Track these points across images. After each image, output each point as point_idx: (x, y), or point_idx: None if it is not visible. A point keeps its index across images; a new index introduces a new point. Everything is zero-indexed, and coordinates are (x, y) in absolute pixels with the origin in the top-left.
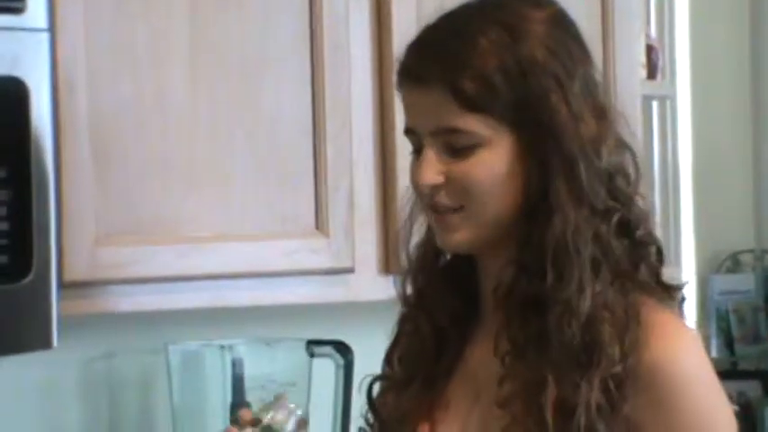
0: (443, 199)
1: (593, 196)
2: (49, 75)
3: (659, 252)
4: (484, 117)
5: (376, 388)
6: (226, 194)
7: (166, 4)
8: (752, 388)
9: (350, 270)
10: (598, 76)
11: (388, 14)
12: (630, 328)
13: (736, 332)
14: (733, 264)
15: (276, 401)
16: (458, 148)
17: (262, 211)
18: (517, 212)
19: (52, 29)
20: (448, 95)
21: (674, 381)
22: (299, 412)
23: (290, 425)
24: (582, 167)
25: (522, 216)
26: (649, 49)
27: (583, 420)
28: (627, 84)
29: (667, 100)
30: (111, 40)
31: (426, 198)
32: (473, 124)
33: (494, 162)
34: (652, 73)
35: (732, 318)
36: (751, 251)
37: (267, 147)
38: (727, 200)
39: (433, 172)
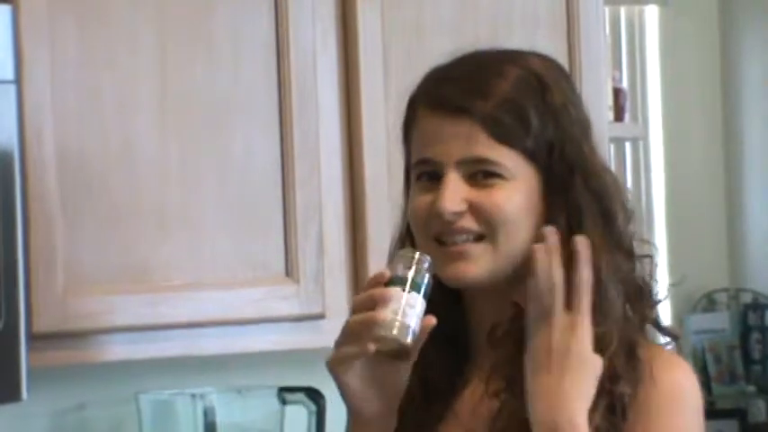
0: (468, 223)
1: (626, 242)
2: (16, 125)
3: (653, 293)
4: (514, 152)
5: None
6: (196, 242)
7: (133, 52)
8: (729, 427)
9: (320, 316)
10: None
11: (356, 62)
12: (632, 364)
13: (712, 371)
14: (708, 303)
15: None
16: (482, 179)
17: (232, 258)
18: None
19: (18, 80)
20: (482, 126)
21: (680, 404)
22: None
23: None
24: (617, 215)
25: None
26: (616, 93)
27: None
28: (595, 126)
29: (640, 141)
30: (77, 88)
31: (445, 226)
32: (503, 156)
33: (517, 196)
34: (619, 115)
35: (708, 357)
36: (725, 290)
37: (237, 193)
38: (700, 239)
39: (458, 198)
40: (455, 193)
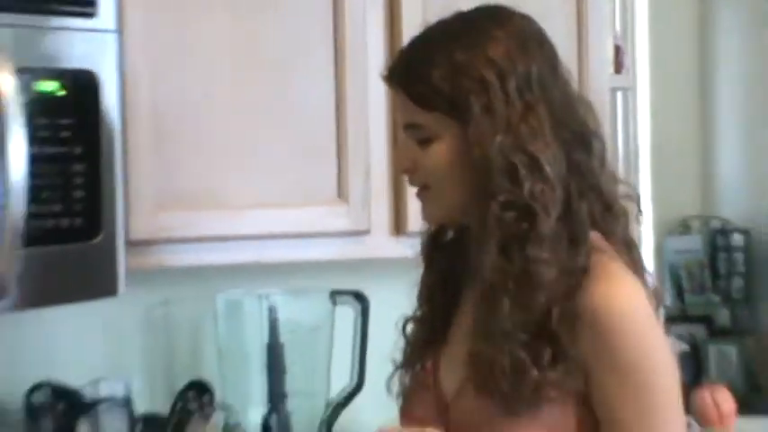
0: (417, 178)
1: (548, 162)
2: (116, 68)
3: (627, 216)
4: (435, 113)
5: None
6: (264, 169)
7: (211, 11)
8: (698, 330)
9: (366, 232)
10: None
11: (399, 15)
12: (574, 265)
13: (685, 284)
14: (683, 228)
15: None
16: (421, 140)
17: (293, 182)
18: (479, 199)
19: (120, 30)
20: (407, 95)
21: (612, 319)
22: None
23: None
24: (530, 156)
25: (483, 204)
26: (616, 49)
27: (535, 373)
28: (598, 78)
29: (629, 90)
30: (167, 40)
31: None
32: (427, 119)
33: (446, 153)
34: (618, 68)
35: (682, 273)
36: (698, 217)
37: (298, 130)
38: (678, 175)
39: (403, 159)
40: (403, 155)
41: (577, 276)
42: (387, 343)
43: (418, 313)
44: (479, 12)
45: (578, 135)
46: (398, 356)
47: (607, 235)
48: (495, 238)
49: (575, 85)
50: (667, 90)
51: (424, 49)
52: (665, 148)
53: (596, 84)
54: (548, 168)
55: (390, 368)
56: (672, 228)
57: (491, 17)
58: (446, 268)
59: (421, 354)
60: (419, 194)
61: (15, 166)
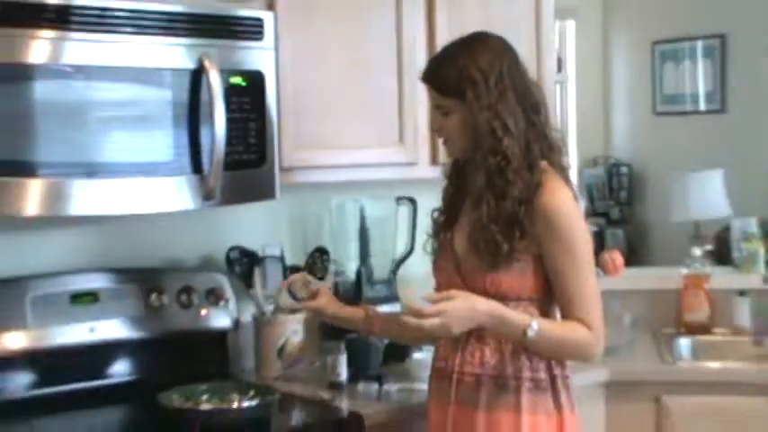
0: (439, 136)
1: (510, 126)
2: (274, 69)
3: (562, 152)
4: (450, 98)
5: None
6: (357, 127)
7: (326, 34)
8: (601, 220)
9: (415, 163)
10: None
11: (434, 37)
12: (532, 182)
13: (595, 195)
14: (593, 162)
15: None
16: (443, 114)
17: (374, 134)
18: (474, 147)
19: (276, 48)
20: (433, 87)
21: (557, 214)
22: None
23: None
24: (502, 121)
25: (475, 150)
26: (558, 59)
27: (506, 246)
28: (548, 75)
29: (564, 82)
30: (301, 52)
31: None
32: (446, 101)
33: (457, 121)
34: (559, 69)
35: (594, 189)
36: (602, 156)
37: (377, 104)
38: (591, 131)
39: (434, 124)
40: (434, 122)
41: (535, 188)
42: (425, 226)
43: (441, 207)
44: (473, 36)
45: (533, 104)
46: (430, 231)
47: (551, 163)
48: (483, 168)
49: (533, 75)
50: (585, 82)
51: (443, 60)
52: (583, 115)
53: (547, 78)
54: (513, 128)
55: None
56: (587, 163)
57: (479, 38)
58: (457, 183)
59: (443, 229)
60: (444, 144)
61: (219, 125)
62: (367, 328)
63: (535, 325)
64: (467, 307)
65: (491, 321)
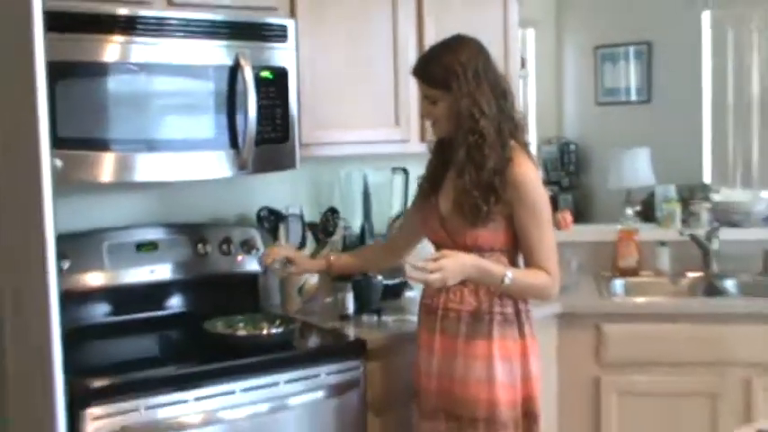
0: (428, 120)
1: (486, 111)
2: (295, 66)
3: (525, 130)
4: (437, 89)
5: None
6: (362, 111)
7: (337, 34)
8: (555, 188)
9: (408, 140)
10: (496, 67)
11: (423, 39)
12: (503, 155)
13: (549, 168)
14: (548, 141)
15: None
16: (430, 102)
17: (375, 116)
18: (456, 128)
19: (297, 48)
20: (423, 80)
21: (524, 184)
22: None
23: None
24: (479, 107)
25: (457, 130)
26: (522, 59)
27: (485, 208)
28: (514, 71)
29: (527, 77)
30: (317, 51)
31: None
32: (432, 92)
33: (443, 109)
34: (522, 66)
35: (548, 163)
36: (555, 136)
37: (378, 92)
38: (547, 115)
39: (423, 111)
40: (423, 109)
41: (506, 161)
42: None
43: (426, 176)
44: (454, 38)
45: (502, 92)
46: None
47: (517, 140)
48: (464, 145)
49: (501, 70)
50: (542, 77)
51: (430, 58)
52: (541, 104)
53: (513, 73)
54: (487, 112)
55: None
56: (544, 141)
57: (459, 40)
58: (440, 158)
59: (429, 194)
60: (432, 126)
61: (251, 110)
62: (327, 271)
63: (510, 274)
64: (459, 263)
65: (477, 273)
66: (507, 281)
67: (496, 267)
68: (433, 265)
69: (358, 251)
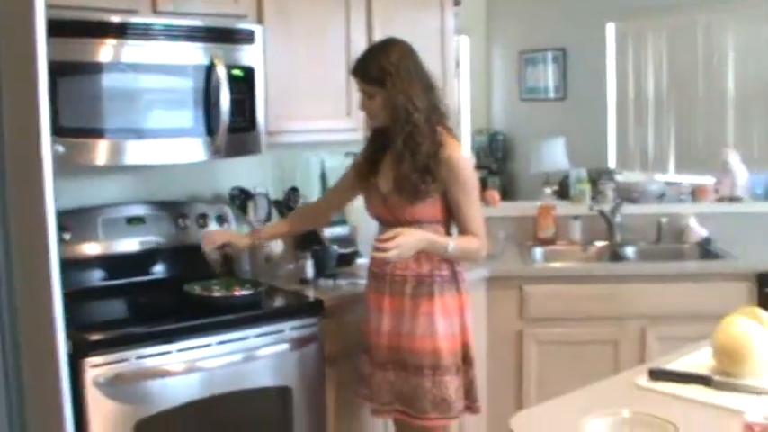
0: (365, 112)
1: (417, 105)
2: (263, 65)
3: (450, 118)
4: (374, 86)
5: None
6: (320, 104)
7: (294, 37)
8: (484, 172)
9: (356, 129)
10: (424, 65)
11: (372, 41)
12: (434, 140)
13: (480, 155)
14: (480, 132)
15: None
16: (368, 97)
17: (331, 109)
18: (392, 119)
19: (264, 50)
20: (361, 79)
21: (456, 164)
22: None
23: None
24: (411, 101)
25: (394, 122)
26: (456, 61)
27: (423, 187)
28: (449, 71)
29: (460, 76)
30: (281, 53)
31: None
32: (368, 88)
33: (378, 103)
34: (457, 67)
35: (480, 150)
36: (485, 128)
37: (334, 88)
38: (478, 109)
39: (362, 105)
40: (362, 104)
41: (438, 146)
42: None
43: (363, 160)
44: (386, 41)
45: (430, 87)
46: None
47: (444, 127)
48: (400, 135)
49: (439, 70)
50: (474, 78)
51: (366, 58)
52: (474, 100)
53: (449, 73)
54: (419, 105)
55: None
56: (475, 132)
57: (391, 42)
58: (376, 143)
59: (368, 176)
60: (368, 117)
61: (224, 103)
62: (256, 243)
63: (452, 243)
64: (412, 239)
65: (427, 245)
66: (450, 248)
67: (441, 238)
68: (391, 243)
69: (285, 219)
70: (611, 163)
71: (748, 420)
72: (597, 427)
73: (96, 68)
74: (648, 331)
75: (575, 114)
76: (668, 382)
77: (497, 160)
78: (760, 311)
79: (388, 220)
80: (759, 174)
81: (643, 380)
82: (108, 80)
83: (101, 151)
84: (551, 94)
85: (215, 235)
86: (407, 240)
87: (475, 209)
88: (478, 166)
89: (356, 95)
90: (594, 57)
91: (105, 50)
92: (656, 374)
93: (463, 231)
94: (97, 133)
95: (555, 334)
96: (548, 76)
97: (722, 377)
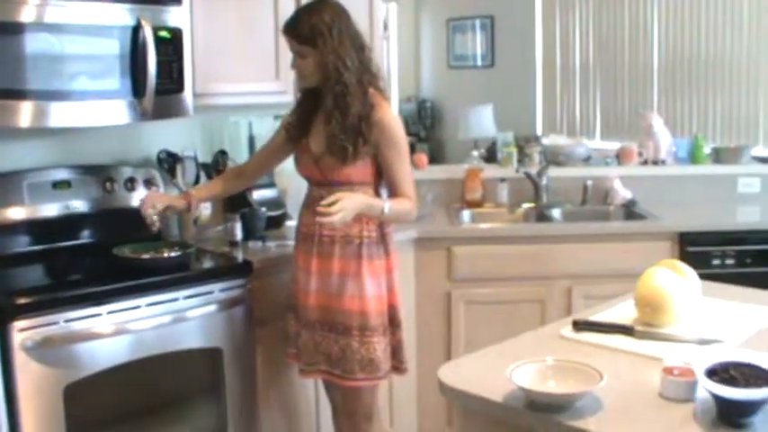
0: (297, 71)
1: (349, 65)
2: (189, 27)
3: (381, 79)
4: (306, 46)
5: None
6: (249, 67)
7: (227, 3)
8: (413, 139)
9: (286, 92)
10: (355, 25)
11: (300, 3)
12: (366, 102)
13: (409, 121)
14: (409, 99)
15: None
16: (300, 57)
17: (260, 71)
18: (323, 80)
19: (191, 11)
20: (292, 37)
21: (388, 126)
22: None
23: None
24: (342, 61)
25: (324, 82)
26: (384, 23)
27: (352, 149)
28: (378, 33)
29: (389, 39)
30: (208, 17)
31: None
32: (301, 48)
33: (310, 63)
34: (385, 29)
35: (408, 117)
36: (414, 95)
37: (263, 50)
38: (408, 75)
39: (294, 65)
40: (293, 63)
41: (369, 107)
42: None
43: (294, 120)
44: (318, 0)
45: (361, 47)
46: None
47: (375, 88)
48: (331, 95)
49: (367, 35)
50: (402, 46)
51: (298, 17)
52: (402, 68)
53: (377, 35)
54: (350, 66)
55: None
56: (404, 99)
57: (325, 1)
58: (307, 104)
59: (299, 136)
60: (299, 77)
61: (151, 64)
62: (190, 205)
63: (387, 205)
64: (353, 202)
65: (366, 208)
66: (387, 210)
67: (377, 201)
68: (334, 207)
69: (215, 180)
70: (539, 130)
71: (668, 365)
72: (523, 373)
73: (18, 28)
74: (574, 290)
75: (502, 82)
76: (592, 333)
77: (426, 127)
78: (680, 264)
79: (319, 181)
80: (682, 138)
81: (567, 330)
82: (30, 41)
83: (24, 113)
84: (479, 62)
85: (155, 198)
86: (349, 204)
87: (406, 170)
88: (407, 134)
89: (285, 58)
90: (522, 25)
91: (27, 10)
92: (581, 325)
93: (394, 193)
94: (20, 95)
95: (483, 294)
96: (476, 43)
97: (644, 327)
